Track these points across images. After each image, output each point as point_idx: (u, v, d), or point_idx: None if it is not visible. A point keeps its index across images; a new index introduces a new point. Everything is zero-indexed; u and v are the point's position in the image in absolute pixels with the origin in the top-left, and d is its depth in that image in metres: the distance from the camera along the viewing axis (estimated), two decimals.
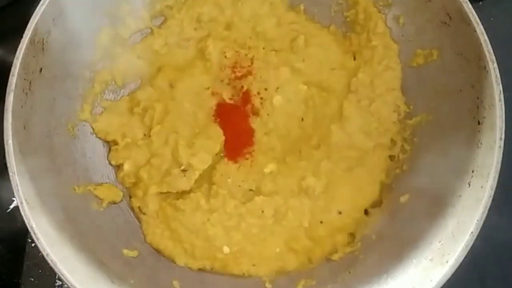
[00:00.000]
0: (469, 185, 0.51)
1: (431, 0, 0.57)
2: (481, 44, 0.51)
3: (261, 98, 0.65)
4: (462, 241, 0.49)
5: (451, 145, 0.56)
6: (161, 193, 0.61)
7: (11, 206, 0.67)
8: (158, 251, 0.61)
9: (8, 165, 0.48)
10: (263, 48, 0.67)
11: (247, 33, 0.67)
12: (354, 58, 0.66)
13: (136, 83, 0.66)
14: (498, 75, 0.51)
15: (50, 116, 0.56)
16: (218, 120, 0.65)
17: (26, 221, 0.47)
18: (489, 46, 0.51)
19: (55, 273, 0.50)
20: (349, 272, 0.57)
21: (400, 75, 0.64)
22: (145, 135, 0.63)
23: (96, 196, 0.60)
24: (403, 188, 0.60)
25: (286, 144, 0.64)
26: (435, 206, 0.54)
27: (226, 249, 0.60)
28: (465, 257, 0.49)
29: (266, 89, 0.65)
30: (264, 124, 0.65)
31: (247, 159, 0.64)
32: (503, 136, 0.50)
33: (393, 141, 0.63)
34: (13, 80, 0.49)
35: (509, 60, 0.55)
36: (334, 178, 0.62)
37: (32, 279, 0.64)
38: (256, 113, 0.65)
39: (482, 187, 0.50)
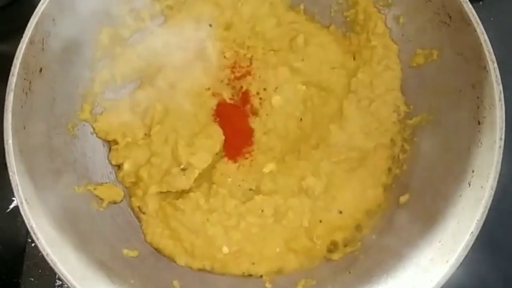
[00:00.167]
0: (469, 185, 0.51)
1: (431, 0, 0.57)
2: (481, 44, 0.51)
3: (260, 98, 0.65)
4: (462, 241, 0.49)
5: (451, 145, 0.56)
6: (161, 192, 0.61)
7: (11, 206, 0.67)
8: (158, 251, 0.61)
9: (8, 164, 0.48)
10: (262, 48, 0.67)
11: (246, 33, 0.67)
12: (354, 58, 0.66)
13: (136, 83, 0.66)
14: (498, 75, 0.51)
15: (50, 116, 0.56)
16: (218, 119, 0.65)
17: (26, 221, 0.47)
18: (489, 46, 0.51)
19: (55, 273, 0.50)
20: (349, 272, 0.57)
21: (399, 75, 0.64)
22: (145, 134, 0.63)
23: (97, 196, 0.60)
24: (403, 188, 0.60)
25: (285, 144, 0.64)
26: (435, 206, 0.54)
27: (225, 249, 0.60)
28: (466, 257, 0.49)
29: (265, 89, 0.65)
30: (263, 124, 0.65)
31: (246, 158, 0.64)
32: (503, 136, 0.50)
33: (393, 141, 0.63)
34: (13, 80, 0.49)
35: (509, 60, 0.55)
36: (335, 178, 0.62)
37: (32, 279, 0.64)
38: (255, 113, 0.65)
39: (482, 187, 0.50)
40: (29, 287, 0.63)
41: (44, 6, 0.51)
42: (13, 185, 0.48)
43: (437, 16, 0.57)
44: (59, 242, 0.49)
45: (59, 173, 0.56)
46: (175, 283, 0.57)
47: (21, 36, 0.50)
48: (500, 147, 0.50)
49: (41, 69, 0.53)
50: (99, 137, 0.63)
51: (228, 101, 0.65)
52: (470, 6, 0.52)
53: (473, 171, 0.51)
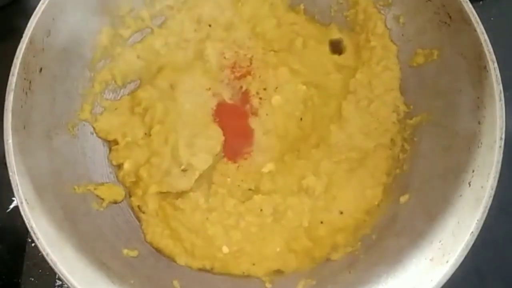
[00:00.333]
0: (470, 184, 0.51)
1: (431, 0, 0.57)
2: (481, 43, 0.51)
3: (260, 98, 0.65)
4: (463, 241, 0.49)
5: (451, 145, 0.56)
6: (160, 192, 0.61)
7: (11, 206, 0.67)
8: (158, 250, 0.61)
9: (8, 164, 0.48)
10: (262, 49, 0.67)
11: (246, 33, 0.67)
12: (353, 59, 0.66)
13: (136, 83, 0.66)
14: (499, 75, 0.51)
15: (50, 116, 0.56)
16: (217, 120, 0.65)
17: (26, 221, 0.47)
18: (490, 45, 0.51)
19: (55, 273, 0.50)
20: (349, 272, 0.57)
21: (398, 75, 0.64)
22: (145, 134, 0.63)
23: (97, 196, 0.60)
24: (403, 188, 0.60)
25: (285, 144, 0.64)
26: (435, 206, 0.54)
27: (225, 249, 0.60)
28: (466, 257, 0.48)
29: (265, 89, 0.65)
30: (263, 124, 0.65)
31: (246, 159, 0.64)
32: (503, 136, 0.50)
33: (393, 141, 0.63)
34: (13, 79, 0.49)
35: (509, 60, 0.55)
36: (335, 178, 0.62)
37: (32, 279, 0.64)
38: (255, 113, 0.65)
39: (482, 187, 0.50)
40: (29, 287, 0.63)
41: (44, 6, 0.51)
42: (13, 185, 0.48)
43: (437, 16, 0.57)
44: (59, 242, 0.49)
45: (59, 173, 0.56)
46: (175, 283, 0.57)
47: (21, 36, 0.50)
48: (500, 147, 0.50)
49: (41, 69, 0.53)
50: (99, 137, 0.63)
51: (228, 101, 0.66)
52: (470, 6, 0.52)
53: (473, 171, 0.51)
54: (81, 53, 0.60)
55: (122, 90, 0.66)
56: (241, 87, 0.66)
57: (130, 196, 0.63)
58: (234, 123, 0.65)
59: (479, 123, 0.52)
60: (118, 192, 0.62)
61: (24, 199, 0.47)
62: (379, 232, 0.59)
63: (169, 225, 0.61)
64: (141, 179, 0.61)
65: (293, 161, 0.63)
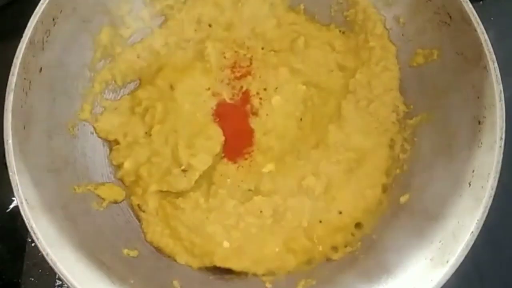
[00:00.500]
0: (470, 184, 0.51)
1: (432, 0, 0.57)
2: (481, 43, 0.51)
3: (260, 98, 0.65)
4: (463, 241, 0.49)
5: (451, 145, 0.56)
6: (160, 191, 0.61)
7: (11, 206, 0.67)
8: (158, 250, 0.61)
9: (8, 164, 0.48)
10: (262, 49, 0.67)
11: (246, 33, 0.67)
12: (353, 59, 0.66)
13: (136, 83, 0.66)
14: (499, 75, 0.51)
15: (50, 116, 0.56)
16: (217, 120, 0.65)
17: (26, 221, 0.47)
18: (490, 45, 0.51)
19: (55, 273, 0.50)
20: (349, 272, 0.57)
21: (398, 75, 0.64)
22: (146, 133, 0.63)
23: (98, 196, 0.60)
24: (403, 188, 0.60)
25: (285, 144, 0.64)
26: (435, 206, 0.54)
27: (226, 244, 0.59)
28: (466, 257, 0.48)
29: (265, 89, 0.65)
30: (263, 124, 0.65)
31: (246, 159, 0.64)
32: (503, 136, 0.50)
33: (392, 141, 0.63)
34: (13, 79, 0.49)
35: (509, 60, 0.55)
36: (335, 179, 0.62)
37: (32, 279, 0.64)
38: (255, 113, 0.65)
39: (482, 187, 0.50)
40: (29, 287, 0.63)
41: (44, 6, 0.51)
42: (13, 185, 0.48)
43: (437, 16, 0.56)
44: (59, 242, 0.49)
45: (59, 173, 0.56)
46: (175, 283, 0.57)
47: (21, 36, 0.50)
48: (500, 147, 0.50)
49: (41, 69, 0.53)
50: (100, 137, 0.63)
51: (228, 101, 0.65)
52: (470, 6, 0.52)
53: (473, 171, 0.51)
54: (81, 53, 0.60)
55: (122, 90, 0.66)
56: (241, 87, 0.66)
57: (130, 195, 0.63)
58: (234, 123, 0.65)
59: (479, 123, 0.52)
60: (119, 192, 0.62)
61: (24, 199, 0.47)
62: (379, 232, 0.59)
63: (169, 224, 0.61)
64: (141, 178, 0.61)
65: (293, 161, 0.63)
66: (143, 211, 0.62)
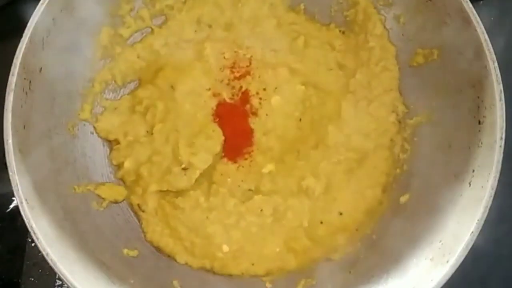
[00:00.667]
0: (470, 184, 0.51)
1: (432, 0, 0.57)
2: (481, 43, 0.51)
3: (260, 98, 0.65)
4: (463, 241, 0.49)
5: (451, 145, 0.56)
6: (160, 191, 0.61)
7: (11, 206, 0.67)
8: (158, 249, 0.61)
9: (8, 164, 0.48)
10: (262, 49, 0.67)
11: (246, 33, 0.67)
12: (352, 59, 0.66)
13: (136, 83, 0.66)
14: (499, 75, 0.51)
15: (50, 116, 0.56)
16: (217, 120, 0.65)
17: (26, 221, 0.47)
18: (490, 45, 0.51)
19: (55, 273, 0.50)
20: (349, 272, 0.57)
21: (397, 76, 0.64)
22: (147, 132, 0.63)
23: (98, 196, 0.60)
24: (403, 188, 0.60)
25: (285, 145, 0.64)
26: (436, 206, 0.54)
27: (225, 248, 0.60)
28: (466, 257, 0.48)
29: (264, 89, 0.65)
30: (262, 124, 0.65)
31: (246, 159, 0.64)
32: (503, 136, 0.50)
33: (392, 141, 0.63)
34: (13, 79, 0.49)
35: (509, 60, 0.55)
36: (334, 179, 0.62)
37: (32, 279, 0.64)
38: (255, 113, 0.65)
39: (482, 186, 0.50)
40: (29, 287, 0.63)
41: (44, 6, 0.51)
42: (13, 185, 0.47)
43: (438, 16, 0.56)
44: (59, 242, 0.49)
45: (59, 173, 0.56)
46: (175, 283, 0.57)
47: (21, 36, 0.50)
48: (500, 146, 0.50)
49: (41, 69, 0.53)
50: (100, 137, 0.63)
51: (228, 101, 0.65)
52: (471, 5, 0.52)
53: (473, 171, 0.51)
54: (81, 53, 0.60)
55: (122, 90, 0.66)
56: (241, 87, 0.66)
57: (130, 195, 0.62)
58: (234, 123, 0.65)
59: (479, 122, 0.52)
60: (119, 192, 0.62)
61: (24, 199, 0.47)
62: (379, 232, 0.59)
63: (168, 224, 0.61)
64: (142, 178, 0.61)
65: (293, 161, 0.63)
66: (143, 211, 0.62)
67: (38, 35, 0.51)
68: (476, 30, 0.52)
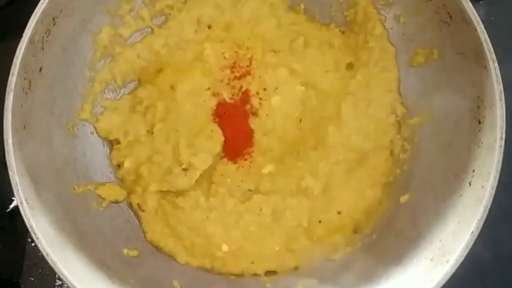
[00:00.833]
0: (470, 184, 0.51)
1: (432, 0, 0.57)
2: (481, 43, 0.51)
3: (260, 98, 0.65)
4: (463, 241, 0.49)
5: (451, 145, 0.56)
6: (161, 191, 0.61)
7: (11, 206, 0.67)
8: (158, 249, 0.61)
9: (8, 164, 0.48)
10: (262, 49, 0.67)
11: (246, 34, 0.67)
12: (352, 60, 0.66)
13: (136, 82, 0.66)
14: (499, 74, 0.50)
15: (50, 116, 0.56)
16: (217, 120, 0.65)
17: (26, 221, 0.47)
18: (490, 45, 0.51)
19: (55, 273, 0.50)
20: (349, 272, 0.57)
21: (396, 76, 0.64)
22: (147, 131, 0.63)
23: (98, 195, 0.60)
24: (403, 188, 0.60)
25: (285, 145, 0.64)
26: (436, 206, 0.54)
27: (225, 247, 0.60)
28: (466, 256, 0.48)
29: (265, 89, 0.65)
30: (263, 124, 0.65)
31: (246, 159, 0.64)
32: (503, 136, 0.50)
33: (392, 142, 0.63)
34: (13, 79, 0.49)
35: (510, 59, 0.55)
36: (334, 179, 0.62)
37: (32, 279, 0.64)
38: (255, 113, 0.65)
39: (483, 186, 0.50)
40: (29, 287, 0.63)
41: (44, 6, 0.51)
42: (13, 185, 0.47)
43: (438, 16, 0.56)
44: (59, 242, 0.49)
45: (59, 173, 0.56)
46: (175, 283, 0.57)
47: (21, 36, 0.50)
48: (500, 146, 0.50)
49: (41, 69, 0.53)
50: (100, 137, 0.63)
51: (228, 101, 0.65)
52: (471, 5, 0.52)
53: (473, 171, 0.51)
54: (81, 53, 0.60)
55: (122, 90, 0.66)
56: (241, 87, 0.66)
57: (129, 195, 0.62)
58: (234, 123, 0.65)
59: (479, 122, 0.52)
60: (119, 192, 0.62)
61: (24, 199, 0.47)
62: (379, 232, 0.59)
63: (168, 224, 0.61)
64: (142, 178, 0.61)
65: (292, 162, 0.63)
66: (143, 210, 0.62)
67: (38, 35, 0.51)
68: (476, 30, 0.51)
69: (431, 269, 0.50)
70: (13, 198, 0.65)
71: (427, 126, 0.60)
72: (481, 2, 0.74)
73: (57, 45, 0.55)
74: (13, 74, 0.49)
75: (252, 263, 0.60)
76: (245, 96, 0.65)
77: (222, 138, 0.63)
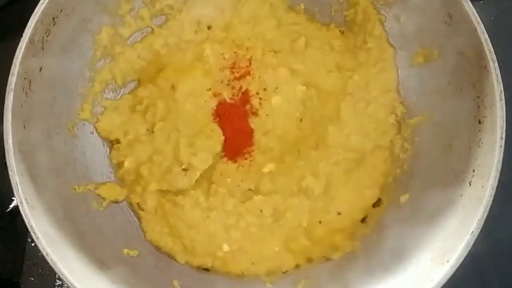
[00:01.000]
0: (470, 184, 0.51)
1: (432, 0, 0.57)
2: (481, 43, 0.51)
3: (260, 98, 0.65)
4: (463, 241, 0.49)
5: (451, 145, 0.56)
6: (160, 190, 0.61)
7: (11, 206, 0.67)
8: (158, 249, 0.61)
9: (8, 164, 0.48)
10: (262, 49, 0.66)
11: (246, 34, 0.67)
12: (351, 60, 0.66)
13: (136, 82, 0.66)
14: (499, 74, 0.50)
15: (50, 116, 0.56)
16: (218, 119, 0.65)
17: (26, 221, 0.47)
18: (490, 45, 0.51)
19: (55, 273, 0.50)
20: (349, 272, 0.57)
21: (395, 77, 0.64)
22: (147, 130, 0.63)
23: (98, 195, 0.60)
24: (403, 188, 0.60)
25: (285, 145, 0.64)
26: (436, 206, 0.54)
27: (225, 247, 0.60)
28: (466, 256, 0.48)
29: (265, 89, 0.65)
30: (263, 124, 0.65)
31: (246, 159, 0.64)
32: (504, 136, 0.50)
33: (392, 142, 0.63)
34: (12, 79, 0.49)
35: (510, 59, 0.55)
36: (334, 179, 0.62)
37: (32, 279, 0.64)
38: (255, 113, 0.65)
39: (483, 186, 0.50)
40: (29, 287, 0.63)
41: (44, 6, 0.51)
42: (13, 185, 0.47)
43: (438, 15, 0.56)
44: (59, 242, 0.49)
45: (59, 173, 0.56)
46: (175, 283, 0.57)
47: (21, 36, 0.50)
48: (501, 146, 0.50)
49: (41, 69, 0.53)
50: (100, 137, 0.63)
51: (228, 101, 0.65)
52: (471, 5, 0.52)
53: (473, 171, 0.51)
54: (81, 53, 0.60)
55: (122, 90, 0.66)
56: (241, 87, 0.66)
57: (129, 194, 0.62)
58: (234, 123, 0.65)
59: (479, 122, 0.52)
60: (119, 192, 0.62)
61: (24, 199, 0.47)
62: (379, 232, 0.59)
63: (168, 223, 0.61)
64: (142, 177, 0.61)
65: (293, 162, 0.63)
66: (143, 210, 0.62)
67: (38, 35, 0.51)
68: (476, 30, 0.51)
69: (431, 269, 0.50)
70: (13, 198, 0.65)
71: (427, 126, 0.60)
72: (481, 2, 0.74)
73: (57, 45, 0.55)
74: (13, 74, 0.49)
75: (253, 263, 0.60)
76: (245, 96, 0.65)
77: (222, 138, 0.63)
